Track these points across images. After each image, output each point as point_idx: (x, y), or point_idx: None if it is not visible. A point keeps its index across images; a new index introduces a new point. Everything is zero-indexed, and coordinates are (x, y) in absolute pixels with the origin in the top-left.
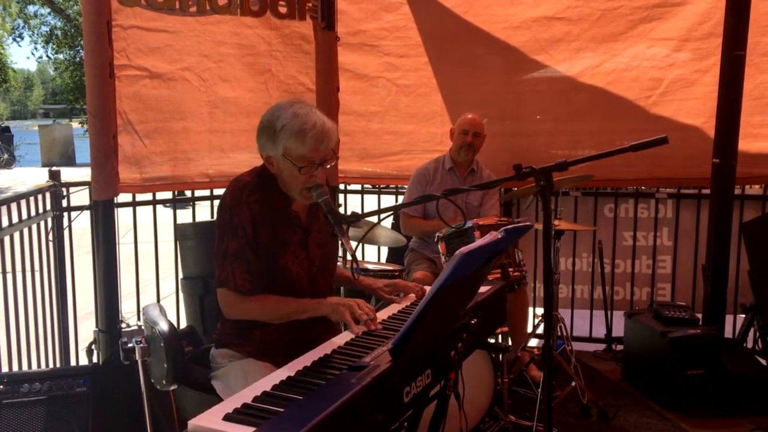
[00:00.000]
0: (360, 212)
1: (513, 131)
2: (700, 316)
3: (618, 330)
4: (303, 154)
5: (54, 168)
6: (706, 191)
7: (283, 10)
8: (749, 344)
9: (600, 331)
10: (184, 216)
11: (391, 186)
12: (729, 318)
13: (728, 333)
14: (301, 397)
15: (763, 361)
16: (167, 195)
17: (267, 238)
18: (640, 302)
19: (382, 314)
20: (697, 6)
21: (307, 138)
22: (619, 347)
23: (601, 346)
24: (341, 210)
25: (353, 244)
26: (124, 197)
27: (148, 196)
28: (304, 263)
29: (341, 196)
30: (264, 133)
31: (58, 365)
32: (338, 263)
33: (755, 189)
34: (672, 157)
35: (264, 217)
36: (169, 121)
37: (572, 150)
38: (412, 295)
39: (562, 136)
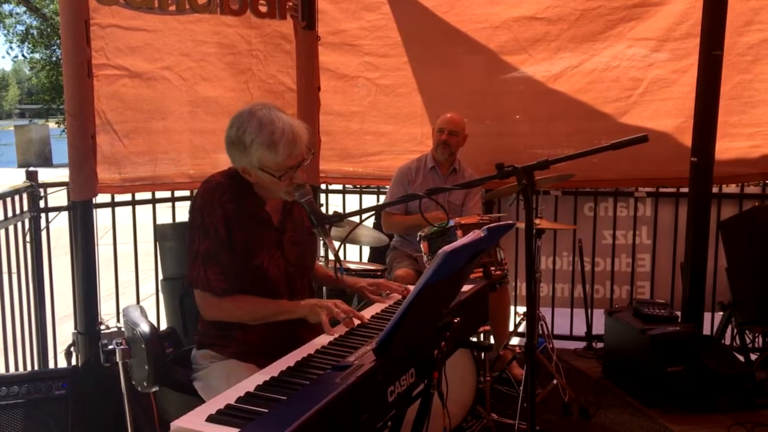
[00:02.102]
0: (342, 212)
1: (494, 131)
2: (679, 313)
3: (598, 328)
4: (279, 163)
5: (31, 168)
6: (685, 190)
7: (263, 9)
8: (727, 341)
9: (580, 329)
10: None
11: (372, 186)
12: (707, 315)
13: (707, 330)
14: (284, 398)
15: (741, 358)
16: (146, 195)
17: (241, 238)
18: (619, 300)
19: (366, 314)
20: (676, 6)
21: (279, 148)
22: (600, 345)
23: (582, 344)
24: (323, 210)
25: (336, 244)
26: (102, 197)
27: (128, 197)
28: (281, 263)
29: (322, 196)
30: (234, 148)
31: (36, 368)
32: (320, 263)
33: (732, 188)
34: (651, 156)
35: (237, 217)
36: (149, 121)
37: (552, 150)
38: (396, 295)
39: (543, 136)
